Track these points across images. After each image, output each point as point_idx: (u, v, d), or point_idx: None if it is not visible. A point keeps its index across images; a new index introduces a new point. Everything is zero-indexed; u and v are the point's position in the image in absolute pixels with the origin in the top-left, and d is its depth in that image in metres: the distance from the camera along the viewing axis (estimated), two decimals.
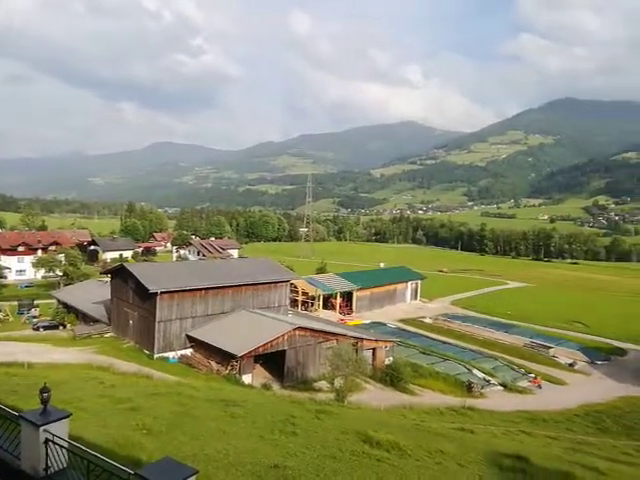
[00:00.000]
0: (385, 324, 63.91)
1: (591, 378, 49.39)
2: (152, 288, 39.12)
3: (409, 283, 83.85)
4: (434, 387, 41.94)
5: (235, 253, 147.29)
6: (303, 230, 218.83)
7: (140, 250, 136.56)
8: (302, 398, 26.78)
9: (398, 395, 38.45)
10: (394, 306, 78.03)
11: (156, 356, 39.61)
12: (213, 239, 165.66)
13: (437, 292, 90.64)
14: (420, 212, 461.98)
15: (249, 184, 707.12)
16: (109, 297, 47.90)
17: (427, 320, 69.05)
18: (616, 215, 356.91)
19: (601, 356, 56.20)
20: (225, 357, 36.93)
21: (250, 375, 37.04)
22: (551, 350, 56.89)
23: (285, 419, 15.76)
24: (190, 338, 41.36)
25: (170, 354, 40.29)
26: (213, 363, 37.93)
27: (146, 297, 40.19)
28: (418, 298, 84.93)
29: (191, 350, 41.12)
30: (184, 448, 11.26)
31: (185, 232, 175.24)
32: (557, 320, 72.80)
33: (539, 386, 45.22)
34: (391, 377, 40.41)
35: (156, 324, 39.77)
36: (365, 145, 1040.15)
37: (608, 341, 62.71)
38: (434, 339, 58.04)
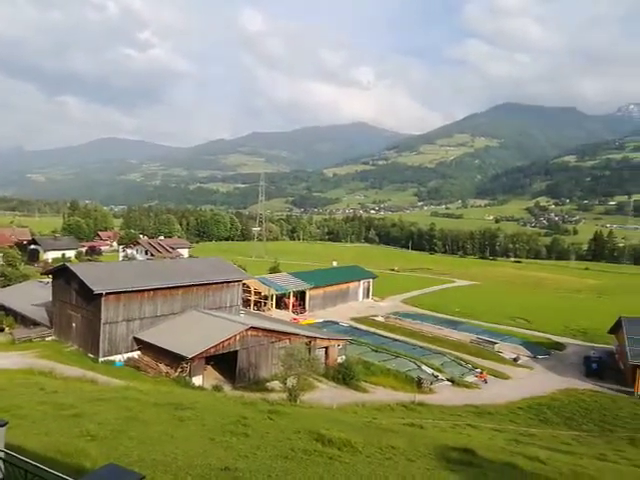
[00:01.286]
0: (338, 323, 64.34)
1: (533, 372, 51.48)
2: (97, 289, 37.66)
3: (361, 282, 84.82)
4: (385, 384, 42.52)
5: (185, 252, 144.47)
6: (256, 229, 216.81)
7: (84, 250, 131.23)
8: (254, 399, 26.49)
9: (350, 393, 38.76)
10: (347, 305, 78.71)
11: (101, 360, 38.18)
12: (162, 238, 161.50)
13: (388, 290, 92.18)
14: (372, 212, 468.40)
15: (200, 182, 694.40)
16: (51, 299, 45.78)
17: (379, 318, 70.06)
18: (556, 216, 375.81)
19: (542, 351, 58.76)
20: (175, 359, 36.03)
21: (200, 377, 36.34)
22: (496, 345, 58.96)
23: (236, 420, 15.51)
24: (138, 340, 40.11)
25: (116, 357, 38.94)
26: (162, 366, 36.96)
27: (90, 298, 38.65)
28: (370, 297, 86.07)
29: (139, 353, 39.89)
30: (130, 453, 10.86)
31: (132, 231, 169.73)
32: (501, 316, 75.62)
33: (485, 381, 46.72)
34: (343, 375, 40.68)
35: (101, 326, 38.31)
36: (318, 145, 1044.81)
37: (548, 336, 65.69)
38: (385, 337, 58.91)
